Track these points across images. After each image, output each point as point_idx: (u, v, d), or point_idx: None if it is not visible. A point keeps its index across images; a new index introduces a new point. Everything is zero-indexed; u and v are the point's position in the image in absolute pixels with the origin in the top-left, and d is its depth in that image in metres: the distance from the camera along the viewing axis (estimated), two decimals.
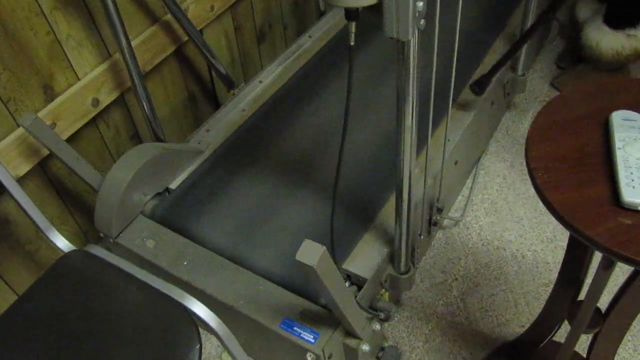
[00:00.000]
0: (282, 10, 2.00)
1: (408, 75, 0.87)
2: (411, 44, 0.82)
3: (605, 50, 1.87)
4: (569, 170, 0.76)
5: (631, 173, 0.72)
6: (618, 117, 0.79)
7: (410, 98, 0.90)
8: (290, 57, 1.80)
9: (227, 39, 1.79)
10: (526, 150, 0.78)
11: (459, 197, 1.74)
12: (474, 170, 1.80)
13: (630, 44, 1.85)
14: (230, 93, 1.71)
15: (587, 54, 1.93)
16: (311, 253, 0.83)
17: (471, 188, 1.75)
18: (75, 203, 1.49)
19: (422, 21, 0.81)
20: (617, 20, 1.86)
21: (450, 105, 1.23)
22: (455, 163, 1.55)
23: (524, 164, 1.82)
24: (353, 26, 0.79)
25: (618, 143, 0.76)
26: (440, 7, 0.94)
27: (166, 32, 1.54)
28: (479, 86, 1.55)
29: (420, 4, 0.77)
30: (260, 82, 1.71)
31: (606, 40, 1.86)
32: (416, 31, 0.80)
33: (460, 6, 1.03)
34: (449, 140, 1.49)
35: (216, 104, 1.86)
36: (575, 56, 2.10)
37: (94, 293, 1.04)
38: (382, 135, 1.52)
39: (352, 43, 0.80)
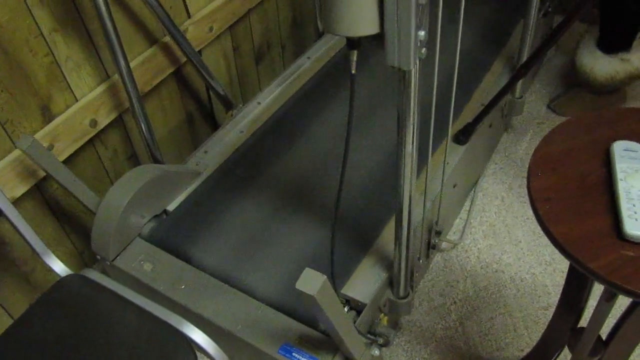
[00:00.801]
0: (280, 31, 2.01)
1: (409, 104, 0.87)
2: (412, 73, 0.82)
3: (600, 75, 1.88)
4: (571, 201, 0.75)
5: (633, 205, 0.72)
6: (619, 148, 0.79)
7: (411, 126, 0.90)
8: (288, 79, 1.80)
9: (225, 60, 1.79)
10: (528, 180, 0.78)
11: (457, 220, 1.74)
12: (472, 192, 1.80)
13: (624, 68, 1.86)
14: (228, 114, 1.71)
15: (581, 78, 1.93)
16: (312, 282, 0.83)
17: (469, 211, 1.75)
18: (71, 224, 1.48)
19: (424, 50, 0.81)
20: (610, 45, 1.86)
21: (450, 129, 1.23)
22: (454, 186, 1.55)
23: (522, 186, 1.82)
24: (355, 55, 0.79)
25: (619, 174, 0.76)
26: (440, 32, 0.94)
27: (165, 53, 1.54)
28: (464, 135, 1.55)
29: (422, 33, 0.77)
30: (259, 103, 1.71)
31: (600, 65, 1.87)
32: (417, 60, 0.80)
33: (460, 29, 1.03)
34: (447, 164, 1.49)
35: (214, 125, 1.86)
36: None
37: (90, 319, 1.03)
38: (381, 158, 1.52)
39: (353, 71, 0.80)
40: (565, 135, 0.84)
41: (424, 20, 0.77)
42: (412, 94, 0.85)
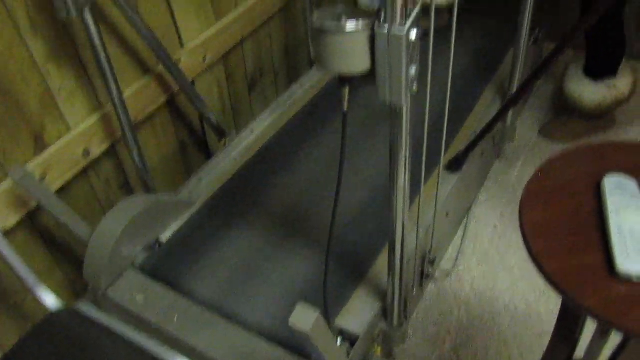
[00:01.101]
0: (273, 59, 2.02)
1: (401, 138, 0.87)
2: (404, 109, 0.83)
3: (588, 101, 1.90)
4: (564, 236, 0.76)
5: (625, 241, 0.72)
6: (610, 182, 0.80)
7: (403, 160, 0.91)
8: (281, 106, 1.81)
9: (218, 88, 1.80)
10: (520, 215, 0.78)
11: (451, 248, 1.74)
12: (466, 220, 1.80)
13: (612, 93, 1.88)
14: (221, 142, 1.71)
15: (570, 105, 1.95)
16: (305, 318, 0.82)
17: (462, 238, 1.75)
18: (64, 253, 1.47)
19: (415, 86, 0.81)
20: (596, 72, 1.89)
21: (442, 157, 1.23)
22: (447, 214, 1.55)
23: (515, 213, 1.82)
24: (347, 92, 0.79)
25: (611, 209, 0.76)
26: (432, 62, 0.95)
27: (158, 82, 1.54)
28: (456, 163, 1.56)
29: (413, 69, 0.78)
30: (252, 131, 1.72)
31: (588, 92, 1.89)
32: (409, 96, 0.81)
33: (452, 59, 1.04)
34: (440, 192, 1.49)
35: (208, 154, 1.86)
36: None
37: (82, 354, 1.02)
38: (375, 187, 1.52)
39: (345, 109, 0.80)
40: (556, 169, 0.84)
41: (415, 56, 0.78)
42: (404, 129, 0.86)
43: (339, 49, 0.73)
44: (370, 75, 0.78)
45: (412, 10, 0.75)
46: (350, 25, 0.72)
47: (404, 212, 1.03)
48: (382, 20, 0.74)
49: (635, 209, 0.75)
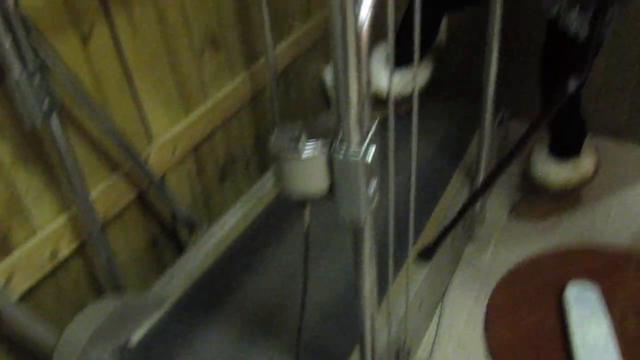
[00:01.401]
0: (244, 148, 2.04)
1: (364, 251, 0.87)
2: (366, 226, 0.83)
3: (554, 182, 1.93)
4: (529, 352, 0.76)
5: (589, 356, 0.72)
6: (572, 293, 0.81)
7: (368, 271, 0.91)
8: (253, 197, 1.81)
9: (189, 180, 1.80)
10: (485, 332, 0.78)
11: (426, 336, 1.72)
12: (440, 306, 1.79)
13: (577, 173, 1.92)
14: (193, 235, 1.70)
15: (536, 185, 1.99)
16: None
17: (438, 325, 1.73)
18: (30, 359, 1.43)
19: (375, 199, 0.82)
20: (561, 152, 1.93)
21: (410, 251, 1.22)
22: (420, 305, 1.54)
23: (489, 295, 1.82)
24: (308, 211, 0.80)
25: (574, 323, 0.76)
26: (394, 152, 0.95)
27: (127, 179, 1.54)
28: (427, 254, 1.56)
29: (372, 187, 0.78)
30: (224, 224, 1.71)
31: (553, 173, 1.92)
32: (370, 211, 0.81)
33: (414, 149, 1.04)
34: (411, 285, 1.48)
35: (179, 248, 1.84)
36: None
37: None
38: (345, 284, 1.51)
39: (305, 229, 0.80)
40: (518, 279, 0.85)
41: (374, 171, 0.79)
42: (367, 242, 0.86)
43: (296, 174, 0.74)
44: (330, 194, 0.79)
45: (368, 130, 0.77)
46: (307, 151, 0.73)
47: (372, 318, 1.02)
48: (339, 139, 0.75)
49: (597, 323, 0.76)
